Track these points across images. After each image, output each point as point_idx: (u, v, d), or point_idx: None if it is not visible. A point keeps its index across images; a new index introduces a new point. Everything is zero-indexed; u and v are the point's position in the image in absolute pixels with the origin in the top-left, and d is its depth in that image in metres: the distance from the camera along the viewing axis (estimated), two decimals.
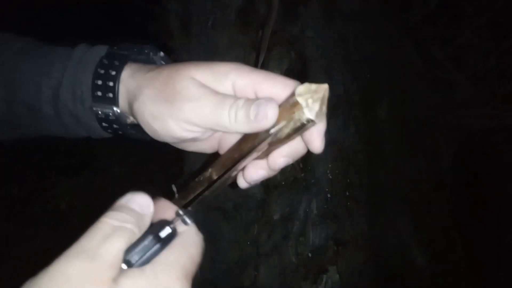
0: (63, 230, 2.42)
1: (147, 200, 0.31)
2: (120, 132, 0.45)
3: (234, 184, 0.42)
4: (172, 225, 0.30)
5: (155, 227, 0.30)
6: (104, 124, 0.44)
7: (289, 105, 0.34)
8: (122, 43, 0.45)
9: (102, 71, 0.41)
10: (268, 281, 1.28)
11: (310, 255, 1.25)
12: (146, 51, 0.45)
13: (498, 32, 1.89)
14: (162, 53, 0.46)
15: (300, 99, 0.33)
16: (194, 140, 0.42)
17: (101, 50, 0.44)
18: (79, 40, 0.47)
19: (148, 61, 0.45)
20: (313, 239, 1.26)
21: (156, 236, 0.29)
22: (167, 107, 0.38)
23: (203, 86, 0.38)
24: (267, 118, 0.34)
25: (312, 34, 1.43)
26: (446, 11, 1.88)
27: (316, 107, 0.33)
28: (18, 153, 2.48)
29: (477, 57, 1.90)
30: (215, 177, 0.40)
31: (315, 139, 0.37)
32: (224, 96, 0.37)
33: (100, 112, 0.43)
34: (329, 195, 1.29)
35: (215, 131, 0.41)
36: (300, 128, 0.34)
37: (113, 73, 0.41)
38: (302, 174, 1.37)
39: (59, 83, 0.43)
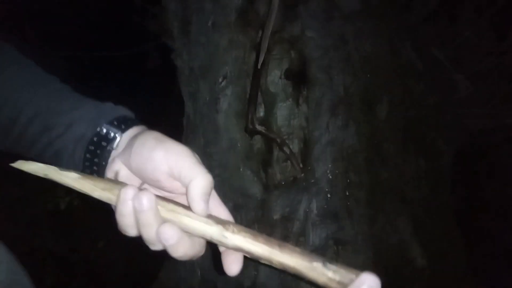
0: (63, 230, 2.42)
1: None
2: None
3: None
4: None
5: None
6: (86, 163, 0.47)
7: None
8: (101, 128, 0.46)
9: (89, 156, 0.46)
10: (268, 281, 1.28)
11: None
12: (114, 146, 0.46)
13: (498, 32, 1.89)
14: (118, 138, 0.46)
15: None
16: None
17: (89, 131, 0.46)
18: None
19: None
20: (313, 239, 1.26)
21: None
22: None
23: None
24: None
25: (312, 34, 1.43)
26: (446, 11, 1.88)
27: None
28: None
29: (477, 57, 1.90)
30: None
31: None
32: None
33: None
34: (329, 195, 1.29)
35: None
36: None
37: (95, 168, 0.46)
38: (302, 174, 1.37)
39: (59, 137, 0.47)
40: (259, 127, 1.44)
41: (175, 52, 1.64)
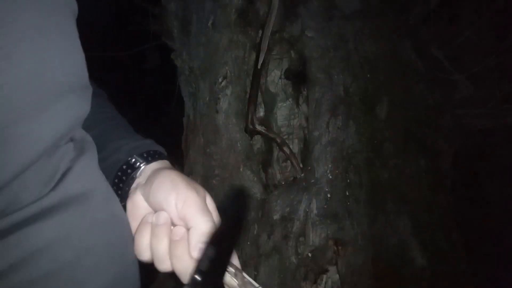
0: None
1: None
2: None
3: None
4: None
5: None
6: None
7: None
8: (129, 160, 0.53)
9: (116, 181, 0.53)
10: (268, 281, 1.28)
11: (310, 255, 1.25)
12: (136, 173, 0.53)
13: (498, 32, 1.89)
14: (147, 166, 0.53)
15: None
16: None
17: (123, 159, 0.53)
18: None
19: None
20: (313, 239, 1.26)
21: None
22: None
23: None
24: None
25: (312, 34, 1.43)
26: (446, 11, 1.88)
27: None
28: None
29: (477, 57, 1.90)
30: None
31: None
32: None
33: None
34: (329, 195, 1.29)
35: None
36: None
37: (119, 193, 0.52)
38: (302, 174, 1.37)
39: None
40: (259, 127, 1.44)
41: (175, 52, 1.64)
